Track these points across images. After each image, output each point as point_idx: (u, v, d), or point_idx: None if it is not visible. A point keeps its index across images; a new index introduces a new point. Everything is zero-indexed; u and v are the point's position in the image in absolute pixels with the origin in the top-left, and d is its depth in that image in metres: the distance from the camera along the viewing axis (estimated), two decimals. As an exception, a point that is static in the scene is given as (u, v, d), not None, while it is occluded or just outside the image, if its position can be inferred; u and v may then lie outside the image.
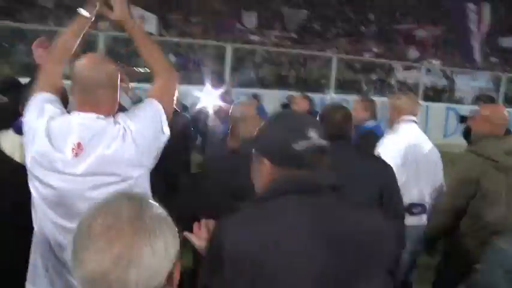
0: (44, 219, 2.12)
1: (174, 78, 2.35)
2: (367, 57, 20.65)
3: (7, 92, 3.94)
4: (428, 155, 3.86)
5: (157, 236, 1.09)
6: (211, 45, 17.23)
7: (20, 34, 14.36)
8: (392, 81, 16.59)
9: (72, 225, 1.71)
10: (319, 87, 15.17)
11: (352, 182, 1.73)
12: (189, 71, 15.28)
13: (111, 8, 2.33)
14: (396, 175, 3.02)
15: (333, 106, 3.45)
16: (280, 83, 15.87)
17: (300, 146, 1.49)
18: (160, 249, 1.09)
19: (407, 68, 17.75)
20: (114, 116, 2.13)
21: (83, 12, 2.34)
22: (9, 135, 2.41)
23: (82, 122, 2.07)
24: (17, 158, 2.35)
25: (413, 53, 23.05)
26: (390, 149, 3.68)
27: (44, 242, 2.12)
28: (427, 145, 3.91)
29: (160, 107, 2.18)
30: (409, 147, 3.72)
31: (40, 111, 2.14)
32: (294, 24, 26.03)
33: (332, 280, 1.42)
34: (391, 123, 3.97)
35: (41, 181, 2.08)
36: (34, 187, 2.12)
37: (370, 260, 1.48)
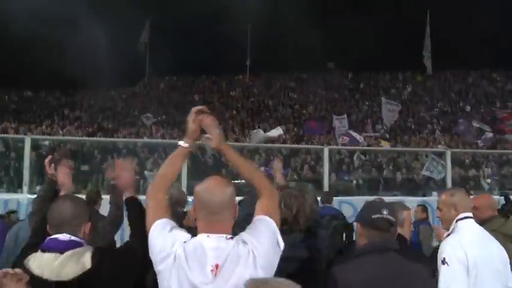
0: None
1: (275, 194, 2.67)
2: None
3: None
4: (496, 254, 3.61)
5: None
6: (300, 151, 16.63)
7: (114, 150, 14.93)
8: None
9: None
10: (429, 188, 13.95)
11: None
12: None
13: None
14: (462, 278, 3.38)
15: None
16: (385, 186, 14.73)
17: (375, 216, 2.91)
18: None
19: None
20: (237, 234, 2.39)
21: (183, 143, 2.76)
22: (38, 255, 2.59)
23: (215, 244, 2.29)
24: (46, 276, 2.49)
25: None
26: (454, 251, 3.48)
27: None
28: (492, 243, 3.67)
29: (273, 222, 2.45)
30: (474, 247, 3.51)
31: (171, 237, 2.36)
32: (386, 124, 25.10)
33: None
34: (447, 222, 3.76)
35: None
36: None
37: None
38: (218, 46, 30.98)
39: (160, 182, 2.64)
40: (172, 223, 2.46)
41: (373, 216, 2.90)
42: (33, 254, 2.60)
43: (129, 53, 35.71)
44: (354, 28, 34.75)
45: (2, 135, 16.94)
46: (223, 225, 2.35)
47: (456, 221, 3.66)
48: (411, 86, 34.16)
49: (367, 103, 31.76)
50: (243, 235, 2.37)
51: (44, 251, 2.59)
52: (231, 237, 2.33)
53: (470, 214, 3.71)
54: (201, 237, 2.32)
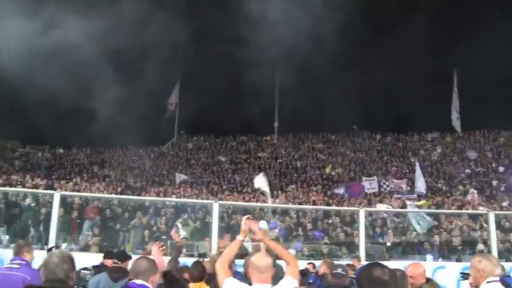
0: None
1: (296, 262, 4.58)
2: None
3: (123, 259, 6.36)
4: None
5: None
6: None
7: (141, 208, 14.94)
8: None
9: None
10: (461, 251, 13.48)
11: None
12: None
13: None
14: None
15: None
16: (419, 249, 14.22)
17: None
18: None
19: None
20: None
21: (239, 237, 4.59)
22: None
23: None
24: None
25: None
26: None
27: None
28: None
29: (296, 281, 4.36)
30: None
31: (241, 285, 4.14)
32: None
33: None
34: (477, 284, 4.19)
35: None
36: None
37: None
38: (246, 107, 31.31)
39: (224, 259, 4.44)
40: (236, 280, 4.25)
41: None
42: None
43: (158, 113, 36.41)
44: (381, 89, 34.93)
45: (33, 190, 17.06)
46: (267, 279, 4.10)
47: (485, 285, 4.11)
48: (441, 147, 33.62)
49: (395, 164, 31.30)
50: (281, 284, 4.21)
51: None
52: (271, 286, 4.11)
53: (496, 278, 4.12)
54: (256, 285, 4.08)
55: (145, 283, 3.99)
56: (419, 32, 31.37)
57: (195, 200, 19.10)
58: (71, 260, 3.80)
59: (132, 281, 4.02)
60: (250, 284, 4.09)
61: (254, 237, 4.60)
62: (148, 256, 4.69)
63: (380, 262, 3.53)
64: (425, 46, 33.45)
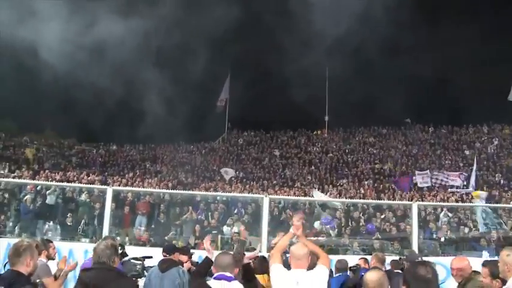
0: None
1: (326, 256, 5.41)
2: None
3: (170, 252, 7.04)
4: None
5: None
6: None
7: (191, 203, 15.08)
8: None
9: None
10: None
11: None
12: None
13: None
14: None
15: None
16: (474, 245, 13.76)
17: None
18: None
19: None
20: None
21: (291, 230, 5.51)
22: (214, 281, 4.83)
23: (300, 273, 4.98)
24: None
25: None
26: None
27: None
28: None
29: (327, 269, 5.20)
30: None
31: (284, 269, 5.12)
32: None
33: None
34: (504, 278, 4.26)
35: None
36: None
37: None
38: (296, 101, 31.18)
39: (277, 249, 5.46)
40: (280, 265, 5.15)
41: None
42: (211, 280, 4.90)
43: (209, 109, 36.86)
44: (435, 79, 33.93)
45: (88, 186, 17.59)
46: (303, 265, 5.00)
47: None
48: (498, 139, 32.28)
49: (449, 158, 30.38)
50: (314, 270, 5.05)
51: (216, 279, 4.85)
52: (307, 270, 4.98)
53: None
54: (293, 270, 5.00)
55: (232, 275, 4.88)
56: (475, 18, 30.26)
57: (245, 195, 19.16)
58: (114, 247, 4.82)
59: (220, 273, 4.86)
60: (289, 269, 5.01)
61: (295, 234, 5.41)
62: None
63: (425, 261, 3.63)
64: (482, 32, 32.17)
